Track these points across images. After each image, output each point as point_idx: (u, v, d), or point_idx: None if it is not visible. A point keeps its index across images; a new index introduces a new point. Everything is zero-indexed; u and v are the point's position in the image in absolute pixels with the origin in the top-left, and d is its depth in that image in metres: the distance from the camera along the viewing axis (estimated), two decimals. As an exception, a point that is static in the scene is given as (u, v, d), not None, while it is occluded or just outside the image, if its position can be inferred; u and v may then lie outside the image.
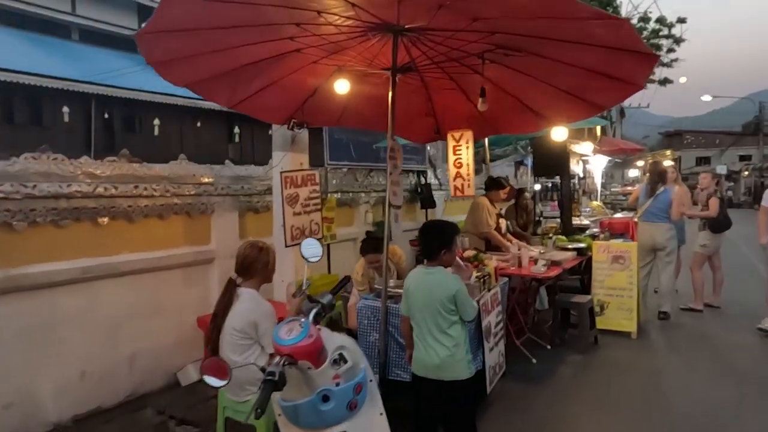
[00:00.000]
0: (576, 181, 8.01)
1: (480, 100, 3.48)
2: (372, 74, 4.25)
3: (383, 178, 7.37)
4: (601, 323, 5.55)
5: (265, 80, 4.10)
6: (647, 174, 6.23)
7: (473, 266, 4.51)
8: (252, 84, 4.05)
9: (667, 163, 7.82)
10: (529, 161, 8.17)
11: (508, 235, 6.03)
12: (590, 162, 9.28)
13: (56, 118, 14.21)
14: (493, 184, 5.86)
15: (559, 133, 5.64)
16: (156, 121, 16.20)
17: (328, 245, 6.07)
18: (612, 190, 14.68)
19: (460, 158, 4.33)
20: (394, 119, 3.69)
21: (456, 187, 4.43)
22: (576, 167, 7.52)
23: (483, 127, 4.69)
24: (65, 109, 14.19)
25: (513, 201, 7.93)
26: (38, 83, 13.06)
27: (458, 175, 4.36)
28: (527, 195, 7.80)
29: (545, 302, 5.50)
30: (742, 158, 41.05)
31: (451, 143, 4.42)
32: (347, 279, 2.69)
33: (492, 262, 4.81)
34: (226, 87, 4.03)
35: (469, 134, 4.29)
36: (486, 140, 6.55)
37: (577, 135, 6.78)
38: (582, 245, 5.82)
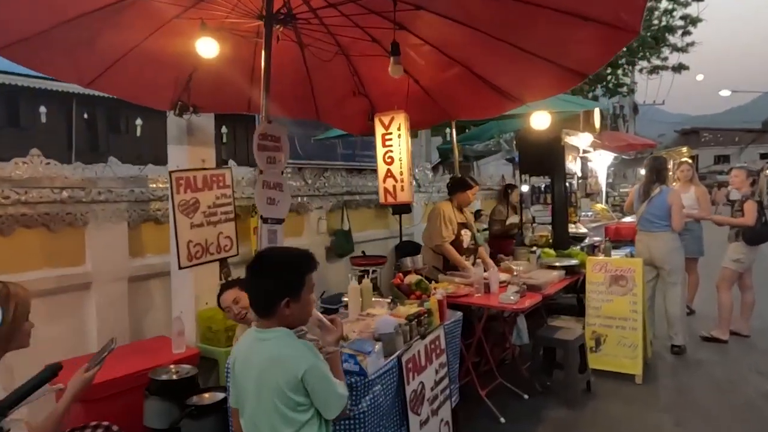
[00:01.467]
0: (575, 181, 6.75)
1: (391, 60, 2.29)
2: (287, 43, 3.10)
3: (344, 179, 6.20)
4: (596, 362, 4.31)
5: (117, 46, 2.96)
6: (644, 171, 4.96)
7: (415, 296, 3.34)
8: (96, 50, 2.91)
9: (679, 160, 6.52)
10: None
11: (481, 250, 4.81)
12: (593, 159, 8.00)
13: None
14: (456, 185, 4.64)
15: (539, 120, 4.42)
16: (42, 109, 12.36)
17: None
18: (621, 191, 13.30)
19: (391, 151, 3.13)
20: (268, 88, 2.55)
21: (386, 191, 3.20)
22: (572, 165, 6.27)
23: (431, 111, 3.53)
24: None
25: (501, 198, 6.76)
26: None
27: (389, 175, 3.15)
28: (518, 192, 6.58)
29: (524, 335, 4.29)
30: (763, 156, 39.05)
31: (378, 130, 3.22)
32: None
33: (446, 288, 3.61)
34: (61, 55, 2.89)
35: (402, 118, 3.09)
36: (452, 131, 5.33)
37: (572, 125, 5.55)
38: (573, 262, 4.59)
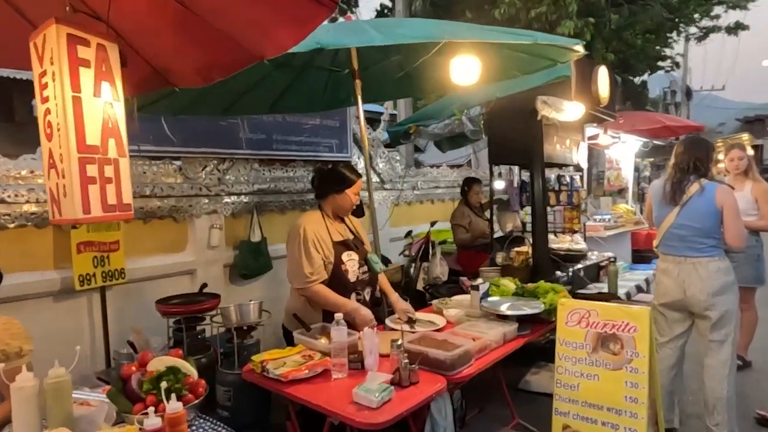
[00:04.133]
0: (578, 175, 4.85)
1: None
2: None
3: (255, 174, 4.57)
4: (568, 480, 2.51)
5: None
6: (673, 159, 3.01)
7: (143, 405, 1.67)
8: None
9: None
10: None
11: (382, 281, 3.06)
12: (611, 146, 6.04)
13: None
14: (325, 182, 2.90)
15: (462, 70, 2.61)
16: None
17: (103, 290, 3.47)
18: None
19: (50, 112, 1.47)
20: None
21: (52, 196, 1.49)
22: (569, 152, 4.38)
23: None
24: None
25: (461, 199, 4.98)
26: None
27: (51, 163, 1.46)
28: (479, 188, 4.77)
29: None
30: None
31: (35, 68, 1.55)
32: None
33: (292, 361, 1.94)
34: None
35: (54, 33, 1.40)
36: (389, 106, 3.58)
37: (563, 92, 3.67)
38: (532, 309, 2.78)
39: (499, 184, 4.44)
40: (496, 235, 4.74)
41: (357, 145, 5.65)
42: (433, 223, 4.82)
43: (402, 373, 2.03)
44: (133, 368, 1.73)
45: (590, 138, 6.76)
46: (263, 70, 3.44)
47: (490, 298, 2.94)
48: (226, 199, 4.32)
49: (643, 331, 2.50)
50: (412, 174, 6.46)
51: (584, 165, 4.84)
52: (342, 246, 2.80)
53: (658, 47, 10.27)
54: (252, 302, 2.45)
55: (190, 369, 1.75)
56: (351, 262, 2.78)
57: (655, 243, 3.12)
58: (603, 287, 3.98)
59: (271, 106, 4.10)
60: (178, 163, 4.02)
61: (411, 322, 2.74)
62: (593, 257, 4.69)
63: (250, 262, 4.42)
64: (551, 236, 4.26)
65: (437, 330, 2.70)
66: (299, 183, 4.94)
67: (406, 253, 4.76)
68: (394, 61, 3.22)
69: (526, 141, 3.76)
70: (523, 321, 2.78)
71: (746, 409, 3.49)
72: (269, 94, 3.91)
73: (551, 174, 5.11)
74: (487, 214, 4.77)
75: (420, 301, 4.33)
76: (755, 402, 3.61)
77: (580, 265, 4.00)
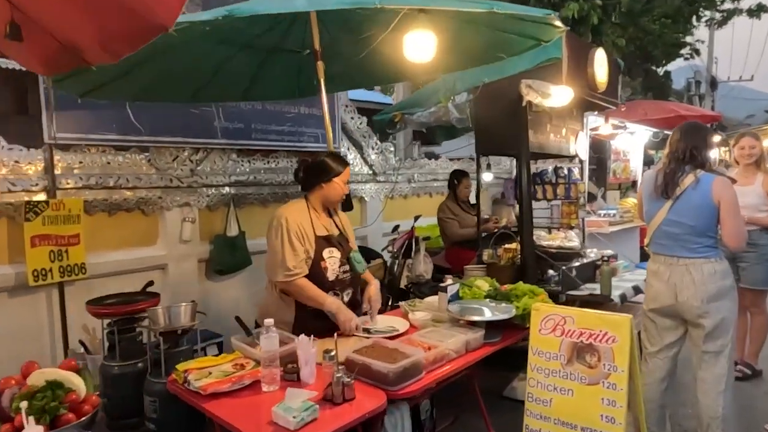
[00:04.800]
0: (577, 167, 4.51)
1: None
2: None
3: (232, 164, 4.36)
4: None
5: None
6: (668, 147, 2.67)
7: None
8: None
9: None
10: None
11: (368, 280, 2.80)
12: (617, 137, 5.66)
13: None
14: (312, 172, 2.66)
15: (415, 45, 2.32)
16: None
17: (62, 285, 3.30)
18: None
19: None
20: None
21: None
22: (570, 144, 4.06)
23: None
24: None
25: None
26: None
27: None
28: (468, 182, 4.47)
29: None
30: None
31: None
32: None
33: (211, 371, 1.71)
34: None
35: None
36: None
37: (553, 76, 3.34)
38: (505, 314, 2.50)
39: (487, 176, 4.14)
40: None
41: (347, 135, 5.39)
42: (416, 218, 4.55)
43: (334, 388, 1.79)
44: (13, 381, 1.52)
45: (594, 129, 6.39)
46: (222, 51, 3.22)
47: (459, 302, 2.67)
48: (200, 191, 4.12)
49: (624, 342, 2.21)
50: (408, 166, 6.17)
51: (584, 156, 4.50)
52: (324, 241, 2.59)
53: (676, 34, 9.72)
54: (184, 304, 2.23)
55: (76, 384, 1.53)
56: (332, 259, 2.56)
57: (645, 241, 2.80)
58: (597, 288, 3.67)
59: (244, 92, 3.87)
60: (147, 153, 3.82)
61: (366, 330, 2.49)
62: (592, 255, 4.37)
63: (226, 257, 4.22)
64: (543, 233, 3.95)
65: (397, 336, 2.44)
66: (282, 175, 4.71)
67: (390, 249, 4.49)
68: (359, 41, 2.95)
69: (512, 129, 3.46)
70: (493, 327, 2.51)
71: (755, 424, 3.17)
72: (240, 80, 3.67)
73: (548, 166, 4.79)
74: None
75: (402, 300, 4.09)
76: (765, 415, 3.27)
77: (575, 263, 3.69)
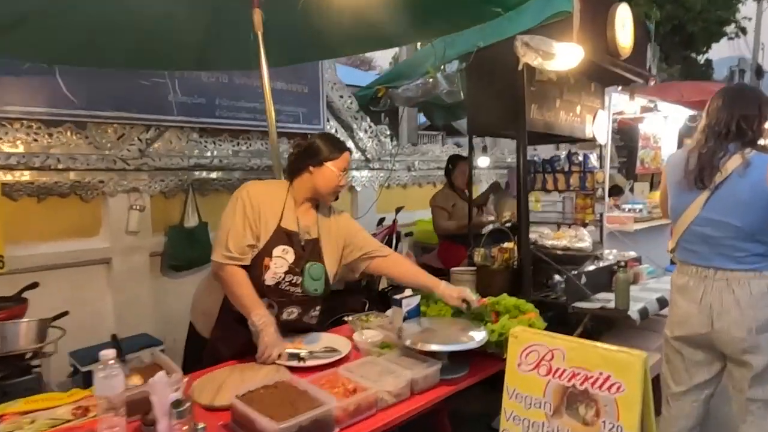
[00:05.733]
0: (595, 152, 3.80)
1: None
2: None
3: (191, 145, 3.80)
4: None
5: None
6: (705, 119, 1.95)
7: None
8: None
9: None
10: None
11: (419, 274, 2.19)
12: (645, 120, 4.88)
13: None
14: (298, 157, 2.10)
15: None
16: None
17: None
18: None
19: None
20: None
21: None
22: (585, 124, 3.36)
23: None
24: None
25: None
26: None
27: None
28: (465, 168, 3.80)
29: None
30: None
31: None
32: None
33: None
34: None
35: None
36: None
37: (562, 32, 2.64)
38: (472, 342, 1.85)
39: (483, 161, 3.46)
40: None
41: (335, 115, 4.78)
42: (398, 210, 3.91)
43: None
44: None
45: (620, 113, 5.60)
46: (156, 3, 2.63)
47: (417, 320, 2.04)
48: (152, 176, 3.58)
49: (633, 391, 1.54)
50: (408, 152, 5.53)
51: (602, 139, 3.78)
52: (284, 236, 1.99)
53: (720, 12, 8.74)
54: (26, 321, 1.67)
55: None
56: (280, 260, 1.96)
57: (670, 245, 2.11)
58: (613, 299, 2.97)
59: (197, 61, 3.28)
60: (84, 130, 3.29)
61: (295, 356, 1.87)
62: (610, 257, 3.66)
63: (183, 251, 3.69)
64: (548, 230, 3.26)
65: (331, 365, 1.83)
66: (255, 158, 4.14)
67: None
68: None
69: (510, 104, 2.78)
70: (459, 358, 1.87)
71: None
72: (188, 43, 3.08)
73: (561, 152, 4.08)
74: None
75: (383, 305, 3.46)
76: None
77: (582, 269, 2.99)
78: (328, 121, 4.71)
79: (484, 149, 5.65)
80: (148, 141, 3.56)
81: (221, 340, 2.05)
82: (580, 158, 3.77)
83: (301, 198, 2.09)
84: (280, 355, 1.86)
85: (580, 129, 3.55)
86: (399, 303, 2.01)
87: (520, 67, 2.55)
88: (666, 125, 5.04)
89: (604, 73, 3.42)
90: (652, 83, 3.49)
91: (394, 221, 3.74)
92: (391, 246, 3.58)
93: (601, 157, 3.85)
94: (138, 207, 3.50)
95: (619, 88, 3.80)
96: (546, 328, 1.99)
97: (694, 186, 1.91)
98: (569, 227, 3.55)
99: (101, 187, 3.35)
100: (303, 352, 1.89)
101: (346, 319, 2.28)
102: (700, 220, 1.92)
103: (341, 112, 4.74)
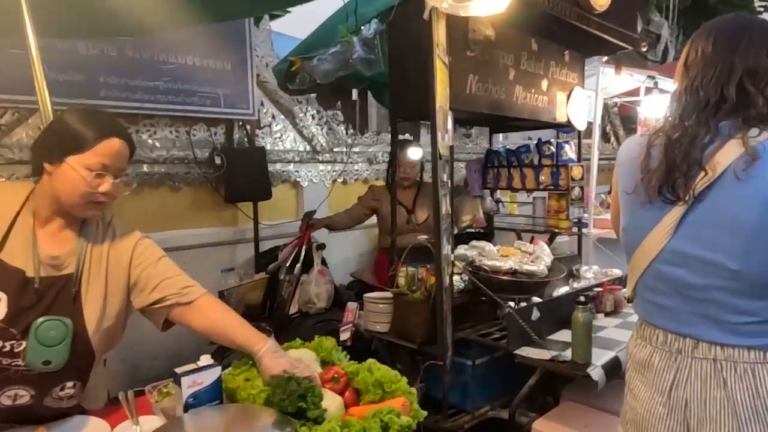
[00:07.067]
0: (569, 142, 2.95)
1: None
2: None
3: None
4: None
5: None
6: (681, 73, 1.15)
7: None
8: None
9: None
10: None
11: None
12: (640, 101, 3.97)
13: None
14: (37, 146, 1.33)
15: None
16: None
17: None
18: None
19: None
20: None
21: None
22: (555, 105, 2.52)
23: None
24: None
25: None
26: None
27: None
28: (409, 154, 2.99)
29: None
30: None
31: None
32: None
33: None
34: None
35: None
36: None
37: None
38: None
39: (413, 153, 2.67)
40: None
41: (270, 98, 4.02)
42: (309, 214, 3.13)
43: None
44: None
45: (623, 94, 4.69)
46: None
47: (214, 406, 1.27)
48: (9, 171, 2.89)
49: None
50: (368, 142, 4.73)
51: (581, 125, 2.93)
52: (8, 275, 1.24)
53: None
54: None
55: None
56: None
57: (627, 290, 1.30)
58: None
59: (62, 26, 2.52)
60: None
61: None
62: (588, 276, 2.84)
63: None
64: (491, 247, 2.43)
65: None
66: (160, 150, 3.42)
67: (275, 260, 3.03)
68: None
69: (424, 74, 1.97)
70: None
71: None
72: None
73: (530, 141, 3.24)
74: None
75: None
76: None
77: (533, 301, 2.18)
78: (262, 105, 3.96)
79: (468, 137, 4.86)
80: (3, 128, 2.86)
81: None
82: (553, 149, 2.95)
83: (45, 212, 1.33)
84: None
85: (546, 110, 2.71)
86: (178, 379, 1.24)
87: (425, 15, 1.74)
88: (657, 104, 4.12)
89: (578, 36, 2.58)
90: (644, 48, 2.64)
91: (307, 230, 2.95)
92: (298, 262, 2.79)
93: (579, 148, 3.00)
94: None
95: (604, 58, 2.95)
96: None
97: (657, 196, 1.09)
98: (530, 241, 2.74)
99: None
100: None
101: (145, 388, 1.53)
102: (668, 255, 1.10)
103: (278, 94, 3.97)
